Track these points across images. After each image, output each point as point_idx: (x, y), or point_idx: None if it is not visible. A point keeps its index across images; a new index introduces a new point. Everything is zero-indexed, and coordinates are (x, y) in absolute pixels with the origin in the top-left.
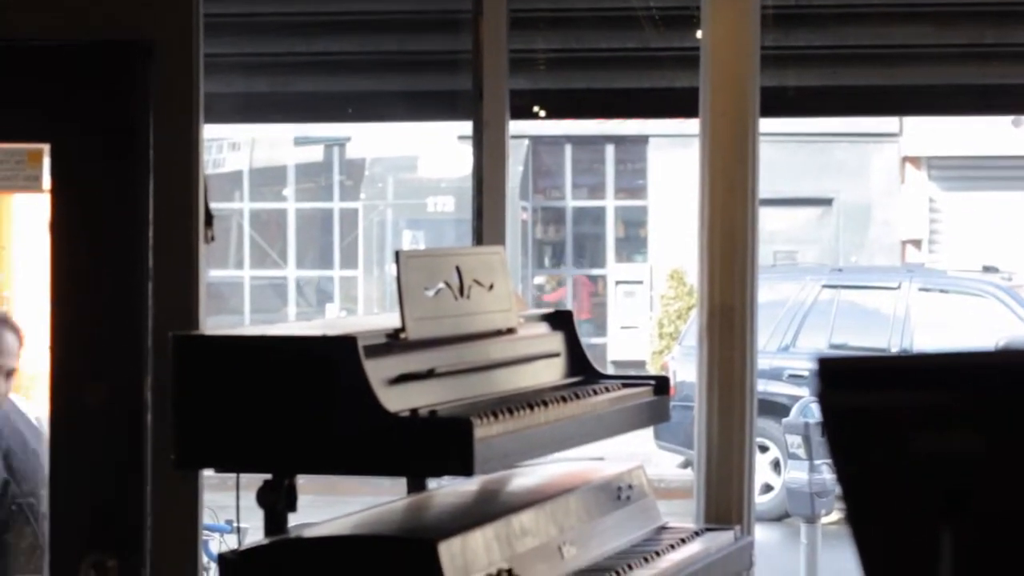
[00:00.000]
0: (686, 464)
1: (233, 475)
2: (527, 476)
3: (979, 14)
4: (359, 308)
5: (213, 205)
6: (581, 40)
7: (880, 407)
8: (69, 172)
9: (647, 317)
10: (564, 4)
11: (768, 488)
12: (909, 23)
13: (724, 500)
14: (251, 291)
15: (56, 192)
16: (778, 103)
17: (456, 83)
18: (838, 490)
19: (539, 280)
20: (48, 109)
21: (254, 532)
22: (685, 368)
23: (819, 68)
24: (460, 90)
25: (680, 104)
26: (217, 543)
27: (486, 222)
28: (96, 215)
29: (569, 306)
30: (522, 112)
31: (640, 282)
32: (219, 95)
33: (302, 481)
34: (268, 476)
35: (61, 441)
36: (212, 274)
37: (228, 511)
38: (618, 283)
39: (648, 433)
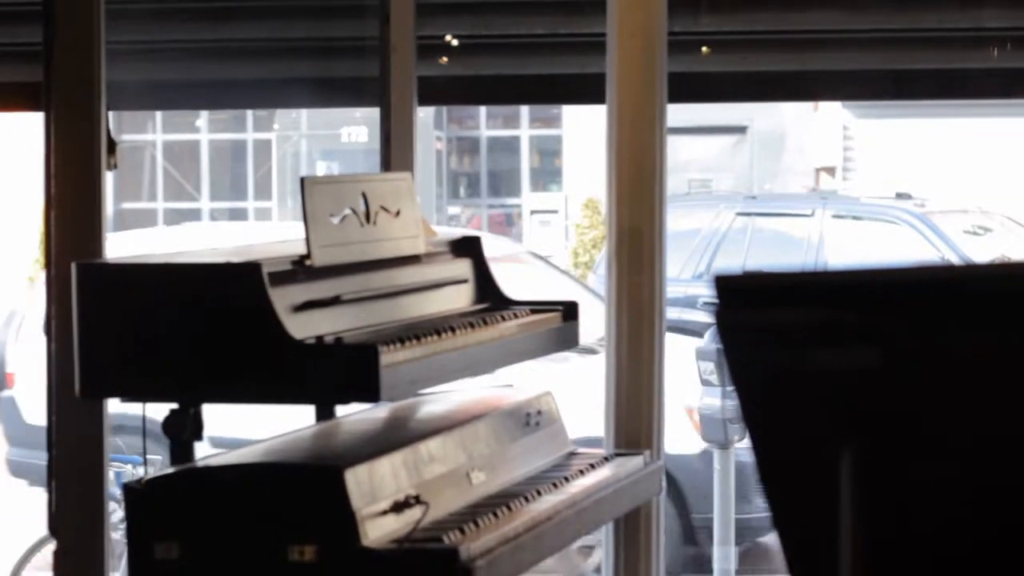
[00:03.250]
0: None
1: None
2: (435, 403)
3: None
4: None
5: (126, 137)
6: (490, 26)
7: (778, 324)
8: None
9: (562, 246)
10: None
11: None
12: (818, 8)
13: (633, 426)
14: (165, 222)
15: None
16: (688, 89)
17: (364, 69)
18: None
19: (454, 211)
20: None
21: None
22: None
23: (729, 53)
24: (367, 76)
25: (593, 89)
26: (130, 475)
27: (394, 149)
28: None
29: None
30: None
31: (555, 211)
32: (124, 83)
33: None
34: (174, 405)
35: None
36: (125, 206)
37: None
38: (533, 212)
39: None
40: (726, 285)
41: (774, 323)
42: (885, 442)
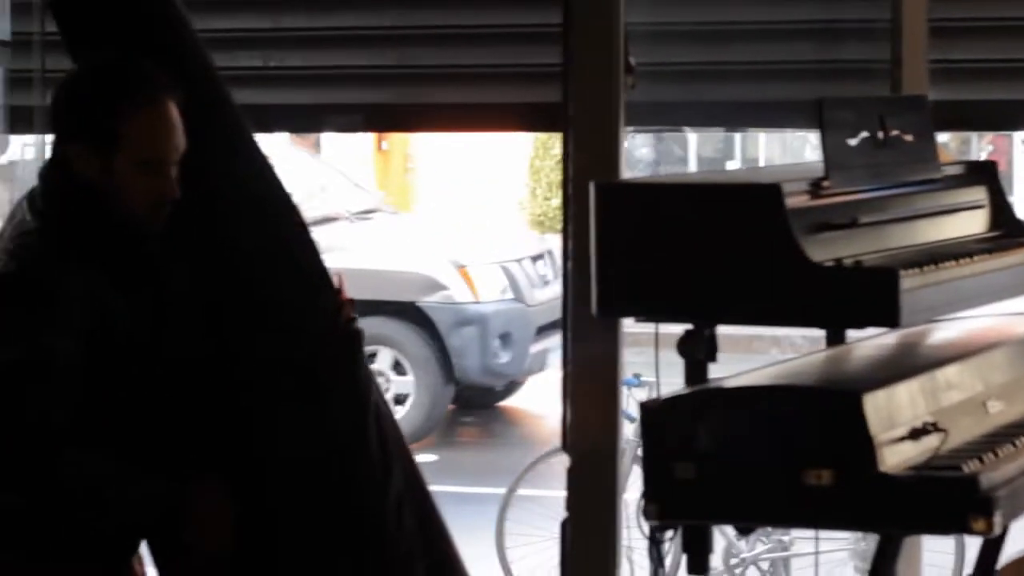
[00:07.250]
0: None
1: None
2: (946, 330)
3: None
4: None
5: (639, 59)
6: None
7: None
8: None
9: None
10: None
11: None
12: None
13: None
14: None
15: None
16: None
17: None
18: None
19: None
20: None
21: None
22: None
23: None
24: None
25: None
26: (624, 396)
27: (906, 70)
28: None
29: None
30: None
31: None
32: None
33: None
34: (688, 326)
35: None
36: None
37: (630, 367)
38: None
39: None
40: None
41: None
42: None
